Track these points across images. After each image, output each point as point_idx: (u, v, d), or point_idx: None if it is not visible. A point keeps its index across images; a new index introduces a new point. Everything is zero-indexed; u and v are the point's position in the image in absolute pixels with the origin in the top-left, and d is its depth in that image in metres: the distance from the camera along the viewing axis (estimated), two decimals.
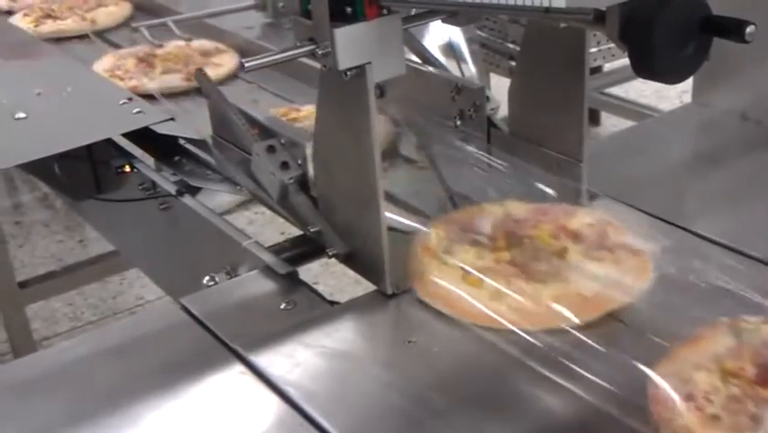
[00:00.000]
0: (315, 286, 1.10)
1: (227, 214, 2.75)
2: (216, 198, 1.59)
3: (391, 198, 1.23)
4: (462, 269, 1.05)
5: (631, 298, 1.00)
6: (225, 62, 1.80)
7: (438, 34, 2.56)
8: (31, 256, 3.13)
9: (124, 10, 2.20)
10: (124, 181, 1.44)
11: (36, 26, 2.10)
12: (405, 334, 1.01)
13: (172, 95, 1.67)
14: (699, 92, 1.50)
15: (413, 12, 1.09)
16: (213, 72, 1.69)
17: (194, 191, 1.34)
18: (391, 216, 1.11)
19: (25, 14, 2.17)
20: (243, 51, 1.80)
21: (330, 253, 1.10)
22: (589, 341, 0.92)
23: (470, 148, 1.29)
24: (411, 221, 1.15)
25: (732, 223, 1.17)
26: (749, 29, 0.89)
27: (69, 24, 2.12)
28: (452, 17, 1.14)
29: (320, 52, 0.97)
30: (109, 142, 1.45)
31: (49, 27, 2.10)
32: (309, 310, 1.05)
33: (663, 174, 1.33)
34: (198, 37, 1.95)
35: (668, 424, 0.83)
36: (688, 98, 1.53)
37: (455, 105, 1.31)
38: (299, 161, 1.15)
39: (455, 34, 2.67)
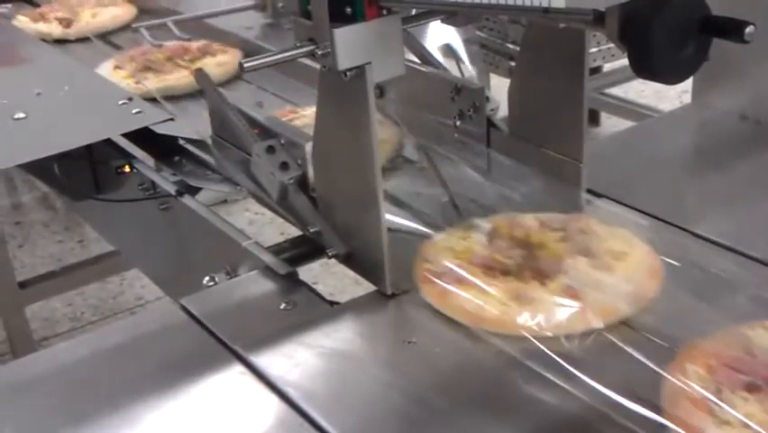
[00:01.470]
0: (314, 286, 1.10)
1: (224, 204, 2.73)
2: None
3: (394, 200, 1.22)
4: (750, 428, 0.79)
5: None
6: (383, 136, 1.39)
7: (438, 35, 2.56)
8: (30, 256, 3.13)
9: (235, 58, 1.77)
10: (124, 181, 1.44)
11: (137, 83, 1.67)
12: (405, 334, 1.01)
13: None
14: (699, 92, 1.50)
15: (412, 12, 1.09)
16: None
17: (194, 191, 1.34)
18: (392, 218, 1.11)
19: (117, 67, 1.75)
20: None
21: (330, 254, 1.10)
22: None
23: (470, 149, 1.30)
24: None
25: (732, 223, 1.17)
26: (748, 29, 0.89)
27: (178, 80, 1.70)
28: (451, 17, 1.14)
29: (320, 53, 0.97)
30: (109, 142, 1.45)
31: (153, 83, 1.67)
32: (309, 311, 1.05)
33: (663, 175, 1.33)
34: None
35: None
36: (687, 99, 1.53)
37: (455, 105, 1.31)
38: (299, 162, 1.15)
39: (455, 35, 2.67)
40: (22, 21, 2.11)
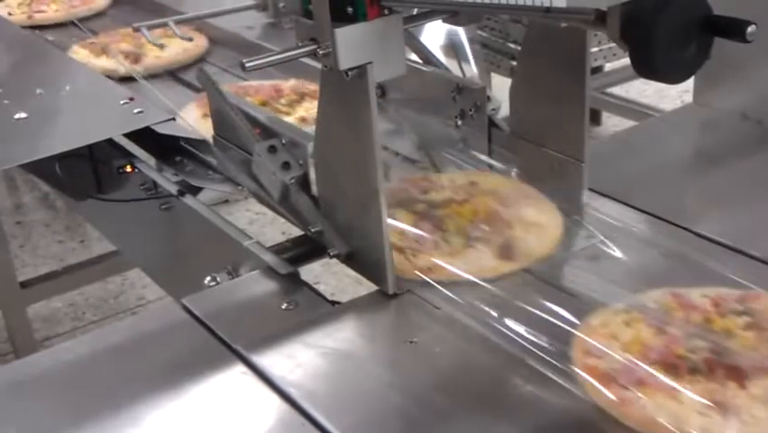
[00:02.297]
0: (315, 286, 1.10)
1: (225, 204, 2.72)
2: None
3: None
4: None
5: None
6: (547, 223, 1.15)
7: (439, 34, 2.56)
8: (32, 256, 3.13)
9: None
10: (125, 181, 1.44)
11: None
12: (406, 334, 1.01)
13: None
14: (700, 92, 1.50)
15: (414, 12, 1.09)
16: (541, 244, 1.11)
17: (195, 191, 1.34)
18: (393, 222, 1.10)
19: (206, 115, 1.44)
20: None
21: (331, 253, 1.10)
22: None
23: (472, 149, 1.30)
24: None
25: (733, 223, 1.17)
26: (750, 28, 0.89)
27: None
28: (452, 17, 1.14)
29: (321, 52, 0.97)
30: (110, 142, 1.45)
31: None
32: (310, 310, 1.05)
33: (665, 174, 1.33)
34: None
35: None
36: (689, 98, 1.53)
37: (456, 105, 1.31)
38: (300, 162, 1.15)
39: (456, 34, 2.68)
40: (81, 54, 1.87)
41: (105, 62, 1.83)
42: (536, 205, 1.18)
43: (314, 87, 1.55)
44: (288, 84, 1.63)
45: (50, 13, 2.16)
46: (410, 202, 1.17)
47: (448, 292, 1.03)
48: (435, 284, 1.04)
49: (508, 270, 1.08)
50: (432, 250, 1.09)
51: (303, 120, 1.49)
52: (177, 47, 1.83)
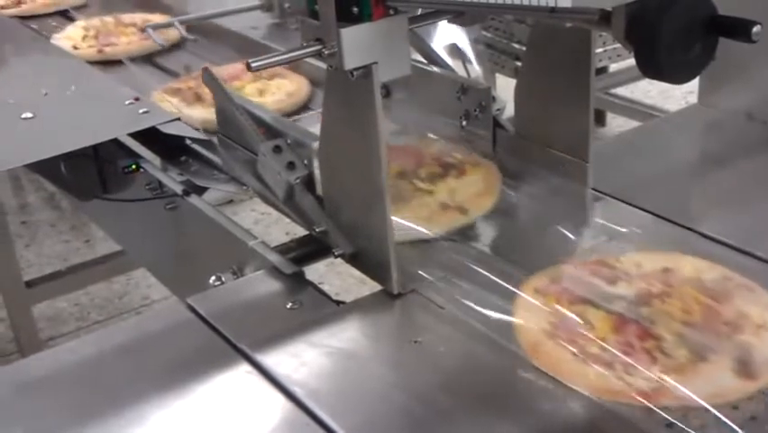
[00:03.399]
0: (320, 286, 1.10)
1: (230, 204, 2.71)
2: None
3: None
4: None
5: None
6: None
7: (444, 35, 2.56)
8: (37, 256, 3.14)
9: (491, 173, 1.24)
10: (131, 181, 1.44)
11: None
12: (410, 334, 1.01)
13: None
14: (705, 92, 1.50)
15: (419, 12, 1.10)
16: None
17: (200, 191, 1.34)
18: (398, 220, 1.10)
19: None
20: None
21: (336, 253, 1.11)
22: None
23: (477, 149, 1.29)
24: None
25: (738, 223, 1.17)
26: (755, 29, 0.89)
27: (421, 216, 1.16)
28: (457, 17, 1.14)
29: (326, 52, 0.97)
30: (116, 141, 1.46)
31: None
32: (315, 310, 1.05)
33: (669, 174, 1.32)
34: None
35: None
36: (693, 99, 1.53)
37: (461, 105, 1.31)
38: (305, 161, 1.15)
39: (461, 35, 2.68)
40: (171, 102, 1.59)
41: (201, 112, 1.53)
42: (755, 298, 0.97)
43: (461, 155, 1.28)
44: (430, 150, 1.30)
45: (122, 46, 1.91)
46: (600, 299, 0.96)
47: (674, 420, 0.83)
48: (659, 411, 0.83)
49: (754, 389, 0.86)
50: (650, 365, 0.87)
51: (444, 207, 1.19)
52: (278, 93, 1.60)
